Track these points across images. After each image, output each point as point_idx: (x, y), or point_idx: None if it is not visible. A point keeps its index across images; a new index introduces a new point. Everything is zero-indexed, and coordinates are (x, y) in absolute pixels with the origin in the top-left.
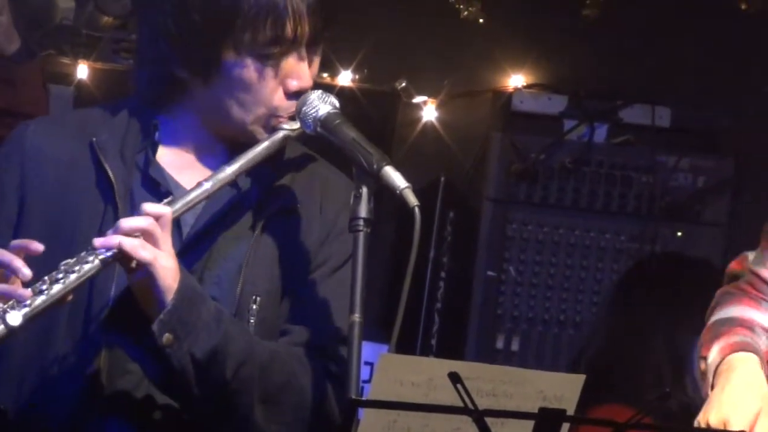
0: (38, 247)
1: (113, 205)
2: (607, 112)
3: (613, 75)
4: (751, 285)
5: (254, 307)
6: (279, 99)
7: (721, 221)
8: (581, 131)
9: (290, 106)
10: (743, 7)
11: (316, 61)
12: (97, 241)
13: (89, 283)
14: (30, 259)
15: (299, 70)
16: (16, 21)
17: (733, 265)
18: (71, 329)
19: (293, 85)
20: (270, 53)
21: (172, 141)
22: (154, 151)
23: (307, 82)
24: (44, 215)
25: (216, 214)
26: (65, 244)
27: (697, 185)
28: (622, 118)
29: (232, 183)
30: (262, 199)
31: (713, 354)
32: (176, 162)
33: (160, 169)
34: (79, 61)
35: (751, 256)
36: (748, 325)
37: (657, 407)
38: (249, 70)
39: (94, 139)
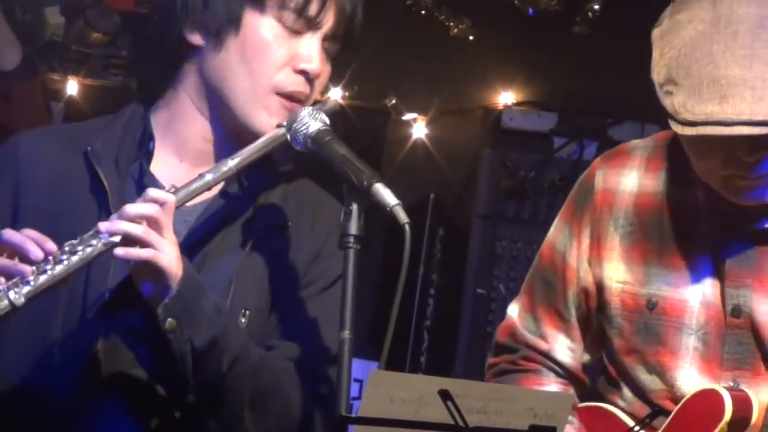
0: (52, 246)
1: (108, 214)
2: (597, 130)
3: (602, 93)
4: (525, 359)
5: (243, 320)
6: (286, 72)
7: None
8: (571, 149)
9: (295, 81)
10: None
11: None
12: (102, 226)
13: (86, 270)
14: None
15: (312, 52)
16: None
17: (502, 336)
18: (67, 320)
19: (303, 64)
20: (292, 22)
21: (166, 152)
22: (149, 162)
23: (317, 67)
24: (39, 225)
25: (208, 225)
26: None
27: None
28: (611, 135)
29: (224, 193)
30: (255, 213)
31: None
32: (169, 173)
33: (153, 180)
34: (69, 77)
35: (515, 317)
36: None
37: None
38: (269, 31)
39: (88, 148)
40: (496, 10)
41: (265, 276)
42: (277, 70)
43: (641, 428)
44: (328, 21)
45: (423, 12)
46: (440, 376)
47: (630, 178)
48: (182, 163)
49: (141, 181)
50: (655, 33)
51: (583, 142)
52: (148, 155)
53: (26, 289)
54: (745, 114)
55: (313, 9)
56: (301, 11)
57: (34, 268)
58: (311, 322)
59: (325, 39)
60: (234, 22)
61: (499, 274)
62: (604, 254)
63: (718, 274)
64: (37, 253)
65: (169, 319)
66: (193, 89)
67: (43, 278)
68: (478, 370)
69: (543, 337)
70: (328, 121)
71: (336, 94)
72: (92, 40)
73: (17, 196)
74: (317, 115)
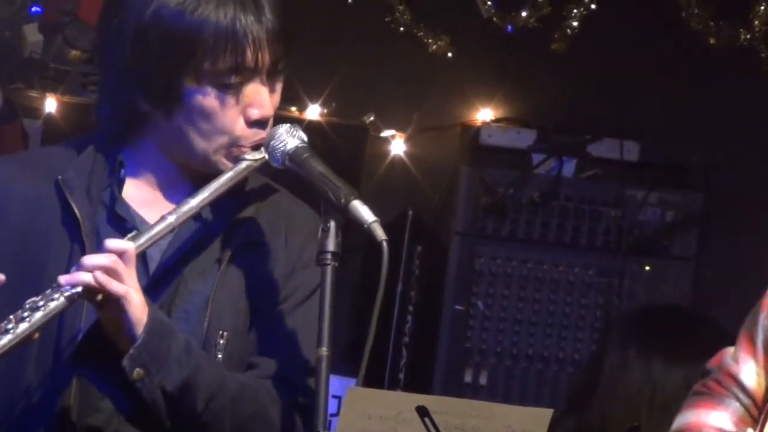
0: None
1: (80, 243)
2: (576, 147)
3: (581, 109)
4: (716, 382)
5: (221, 342)
6: (241, 128)
7: (689, 255)
8: (549, 165)
9: (252, 135)
10: (711, 41)
11: (278, 90)
12: (63, 278)
13: (58, 319)
14: None
15: (260, 98)
16: None
17: (712, 361)
18: (40, 365)
19: (254, 113)
20: (230, 82)
21: (138, 176)
22: (120, 188)
23: (269, 110)
24: (10, 255)
25: (182, 249)
26: (33, 283)
27: (665, 219)
28: (590, 152)
29: (196, 216)
30: (228, 232)
31: None
32: (142, 198)
33: (125, 206)
34: (47, 94)
35: (731, 350)
36: None
37: None
38: (210, 99)
39: (59, 177)
40: (474, 27)
41: (242, 294)
42: (231, 126)
43: None
44: (266, 60)
45: (401, 29)
46: (419, 392)
47: None
48: (153, 188)
49: (113, 208)
50: None
51: (561, 159)
52: (120, 182)
53: None
54: None
55: (248, 59)
56: (237, 67)
57: None
58: (291, 335)
59: (268, 74)
60: (174, 96)
61: (478, 291)
62: None
63: None
64: None
65: (137, 369)
66: (157, 138)
67: (5, 339)
68: (457, 387)
69: (736, 360)
70: (305, 138)
71: (314, 111)
72: (71, 58)
73: None
74: (295, 132)
